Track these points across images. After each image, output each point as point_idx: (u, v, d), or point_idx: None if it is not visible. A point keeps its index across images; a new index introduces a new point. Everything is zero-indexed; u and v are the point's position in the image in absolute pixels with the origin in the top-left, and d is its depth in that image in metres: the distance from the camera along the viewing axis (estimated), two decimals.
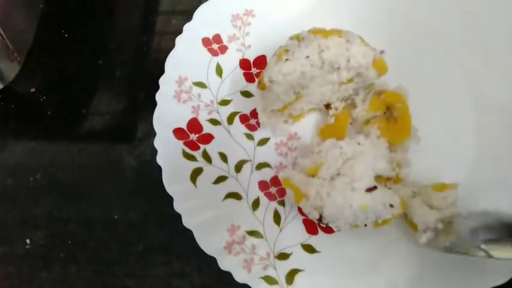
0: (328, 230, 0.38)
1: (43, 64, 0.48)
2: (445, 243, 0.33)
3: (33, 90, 0.48)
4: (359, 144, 0.35)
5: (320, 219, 0.34)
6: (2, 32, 0.39)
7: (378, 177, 0.34)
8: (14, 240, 0.42)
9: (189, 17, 0.45)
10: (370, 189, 0.33)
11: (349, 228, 0.34)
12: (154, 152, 0.40)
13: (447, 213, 0.34)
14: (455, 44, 0.44)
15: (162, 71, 0.43)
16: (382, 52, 0.43)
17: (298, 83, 0.37)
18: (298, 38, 0.37)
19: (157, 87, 0.42)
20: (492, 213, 0.33)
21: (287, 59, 0.36)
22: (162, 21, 0.50)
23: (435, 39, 0.44)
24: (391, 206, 0.34)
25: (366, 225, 0.34)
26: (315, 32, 0.37)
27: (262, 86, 0.38)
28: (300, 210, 0.38)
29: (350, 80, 0.38)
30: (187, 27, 0.44)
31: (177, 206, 0.38)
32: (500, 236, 0.32)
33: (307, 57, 0.36)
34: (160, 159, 0.39)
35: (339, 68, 0.37)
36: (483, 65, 0.42)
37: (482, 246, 0.31)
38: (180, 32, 0.45)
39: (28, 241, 0.41)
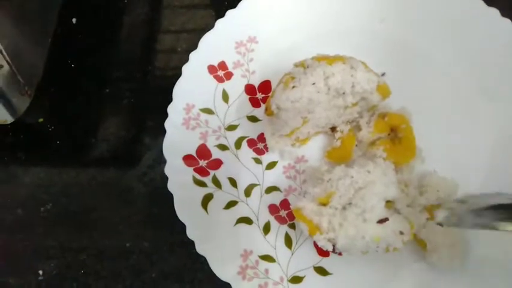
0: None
1: (51, 94, 0.49)
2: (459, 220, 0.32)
3: (41, 120, 0.48)
4: (369, 172, 0.35)
5: (333, 249, 0.35)
6: (14, 68, 0.40)
7: (388, 202, 0.35)
8: (27, 272, 0.42)
9: (193, 46, 0.46)
10: (382, 221, 0.34)
11: (360, 254, 0.35)
12: (164, 179, 0.41)
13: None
14: (450, 65, 0.45)
15: (168, 98, 0.44)
16: (383, 74, 0.44)
17: (305, 109, 0.38)
18: (303, 65, 0.38)
19: (164, 115, 0.43)
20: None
21: (294, 86, 0.37)
22: (167, 50, 0.51)
23: (431, 61, 0.46)
24: (401, 233, 0.34)
25: (377, 251, 0.35)
26: (319, 59, 0.38)
27: (270, 113, 0.39)
28: None
29: (355, 104, 0.39)
30: (193, 55, 0.45)
31: (190, 233, 0.38)
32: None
33: (314, 84, 0.37)
34: (171, 187, 0.40)
35: (344, 93, 0.38)
36: (478, 83, 0.44)
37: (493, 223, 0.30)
38: (186, 60, 0.46)
39: (41, 272, 0.42)
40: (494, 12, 0.44)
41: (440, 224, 0.34)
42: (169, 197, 0.40)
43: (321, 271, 0.38)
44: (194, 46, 0.46)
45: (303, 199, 0.37)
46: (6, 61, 0.41)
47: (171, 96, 0.44)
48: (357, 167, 0.36)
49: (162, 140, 0.42)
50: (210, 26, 0.47)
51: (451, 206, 0.33)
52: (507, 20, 0.44)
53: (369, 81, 0.37)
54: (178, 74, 0.45)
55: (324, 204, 0.36)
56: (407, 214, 0.36)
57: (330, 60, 0.38)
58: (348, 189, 0.35)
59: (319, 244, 0.35)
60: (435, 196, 0.38)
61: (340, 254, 0.36)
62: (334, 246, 0.34)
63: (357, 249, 0.34)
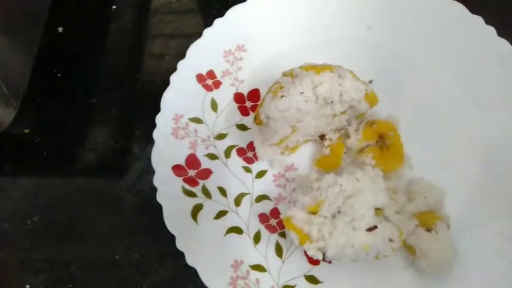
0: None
1: (37, 105, 0.48)
2: None
3: (27, 131, 0.48)
4: (358, 180, 0.36)
5: (323, 258, 0.35)
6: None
7: (378, 210, 0.35)
8: (14, 287, 0.41)
9: (181, 54, 0.46)
10: (371, 229, 0.34)
11: (350, 262, 0.35)
12: (153, 189, 0.40)
13: None
14: (437, 72, 0.46)
15: (156, 107, 0.44)
16: (370, 82, 0.44)
17: (294, 118, 0.38)
18: (291, 75, 0.39)
19: (152, 124, 0.43)
20: None
21: (282, 96, 0.37)
22: (155, 59, 0.51)
23: (418, 68, 0.46)
24: (391, 240, 0.35)
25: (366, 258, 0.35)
26: (307, 68, 0.39)
27: (259, 122, 0.39)
28: None
29: (343, 112, 0.40)
30: (181, 64, 0.45)
31: (180, 245, 0.38)
32: None
33: (302, 93, 0.37)
34: (160, 198, 0.40)
35: (332, 102, 0.38)
36: (466, 91, 0.44)
37: None
38: (173, 68, 0.45)
39: (28, 286, 0.41)
40: (479, 20, 0.45)
41: None
42: (159, 207, 0.39)
43: (312, 279, 0.38)
44: (182, 55, 0.46)
45: (293, 208, 0.37)
46: None
47: (159, 105, 0.44)
48: (346, 175, 0.37)
49: (151, 150, 0.42)
50: (197, 35, 0.47)
51: None
52: (491, 28, 0.45)
53: (356, 90, 0.37)
54: (166, 83, 0.45)
55: (314, 213, 0.36)
56: (396, 221, 0.36)
57: (318, 69, 0.38)
58: (337, 198, 0.35)
59: (309, 253, 0.35)
60: (423, 203, 0.39)
61: (330, 262, 0.36)
62: (324, 255, 0.34)
63: (346, 257, 0.34)
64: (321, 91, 0.37)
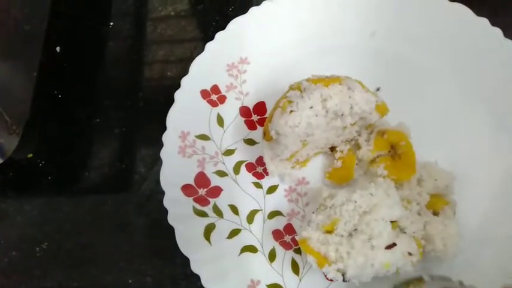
0: None
1: (39, 128, 0.47)
2: None
3: (30, 155, 0.47)
4: (371, 195, 0.35)
5: (343, 279, 0.34)
6: (0, 108, 0.39)
7: (393, 223, 0.35)
8: None
9: (183, 69, 0.45)
10: (390, 247, 0.34)
11: (369, 280, 0.35)
12: (163, 209, 0.39)
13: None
14: (445, 76, 0.45)
15: (160, 125, 0.43)
16: (378, 89, 0.44)
17: (304, 133, 0.37)
18: (299, 88, 0.38)
19: (158, 142, 0.42)
20: (437, 280, 0.34)
21: (292, 111, 0.36)
22: (157, 75, 0.50)
23: (425, 73, 0.45)
24: (410, 254, 0.34)
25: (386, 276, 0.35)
26: (315, 81, 0.38)
27: (268, 138, 0.38)
28: None
29: (353, 124, 0.39)
30: (184, 80, 0.44)
31: (195, 267, 0.37)
32: None
33: (311, 107, 0.36)
34: (172, 220, 0.39)
35: (342, 115, 0.37)
36: (476, 92, 0.44)
37: None
38: (176, 85, 0.45)
39: None
40: (484, 22, 0.44)
41: None
42: (169, 228, 0.39)
43: None
44: (184, 70, 0.45)
45: (308, 228, 0.36)
46: None
47: (164, 122, 0.43)
48: (360, 191, 0.36)
49: (158, 169, 0.41)
50: (199, 48, 0.46)
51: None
52: (497, 29, 0.44)
53: (367, 101, 0.37)
54: (170, 100, 0.44)
55: (330, 232, 0.35)
56: (412, 233, 0.35)
57: (326, 82, 0.37)
58: (352, 215, 0.35)
59: (329, 276, 0.34)
60: (432, 185, 0.38)
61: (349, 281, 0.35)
62: (343, 275, 0.34)
63: (366, 276, 0.34)
64: (330, 104, 0.36)
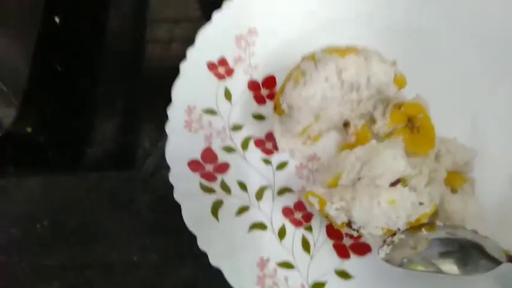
0: (360, 251, 0.37)
1: (38, 102, 0.45)
2: (401, 259, 0.33)
3: (29, 130, 0.45)
4: (373, 147, 0.34)
5: (350, 225, 0.33)
6: None
7: (403, 181, 0.34)
8: None
9: (189, 40, 0.43)
10: (394, 183, 0.33)
11: (382, 234, 0.33)
12: (168, 185, 0.38)
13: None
14: (464, 46, 0.43)
15: (166, 98, 0.41)
16: (394, 63, 0.42)
17: (318, 106, 0.35)
18: (313, 59, 0.36)
19: (163, 115, 0.40)
20: (449, 227, 0.34)
21: (305, 83, 0.34)
22: (162, 46, 0.48)
23: (441, 43, 0.44)
24: (421, 203, 0.33)
25: (399, 228, 0.33)
26: (330, 51, 0.36)
27: (280, 112, 0.37)
28: (329, 233, 0.37)
29: (369, 98, 0.37)
30: (190, 52, 0.42)
31: (202, 245, 0.36)
32: (452, 250, 0.33)
33: (326, 79, 0.34)
34: (178, 196, 0.37)
35: (358, 87, 0.35)
36: (497, 63, 0.42)
37: (434, 261, 0.33)
38: (182, 56, 0.42)
39: None
40: None
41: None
42: (175, 204, 0.37)
43: (343, 275, 0.36)
44: (190, 40, 0.43)
45: (313, 186, 0.36)
46: None
47: (169, 95, 0.41)
48: (361, 145, 0.35)
49: (163, 144, 0.40)
50: (205, 18, 0.44)
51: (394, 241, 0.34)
52: None
53: (385, 73, 0.35)
54: (175, 71, 0.42)
55: (334, 187, 0.35)
56: (426, 194, 0.34)
57: (342, 52, 0.35)
58: (354, 164, 0.34)
59: (332, 215, 0.33)
60: (451, 161, 0.37)
61: (358, 234, 0.34)
62: (350, 221, 0.33)
63: (376, 220, 0.32)
64: (346, 76, 0.34)
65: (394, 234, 0.34)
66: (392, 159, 0.34)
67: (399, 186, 0.33)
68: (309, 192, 0.35)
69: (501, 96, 0.41)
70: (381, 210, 0.32)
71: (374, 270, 0.36)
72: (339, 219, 0.33)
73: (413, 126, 0.38)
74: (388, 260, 0.34)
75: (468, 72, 0.42)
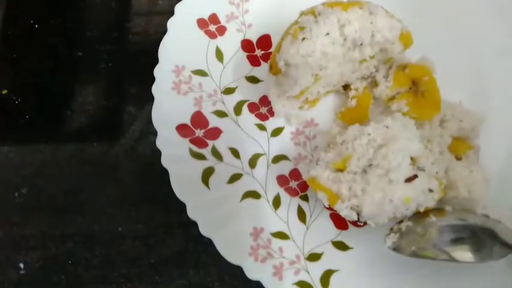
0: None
1: (13, 62, 0.42)
2: (409, 247, 0.31)
3: (5, 92, 0.42)
4: (387, 127, 0.31)
5: (358, 219, 0.31)
6: None
7: (412, 160, 0.31)
8: (6, 266, 0.37)
9: None
10: (410, 179, 0.30)
11: (386, 221, 0.31)
12: (155, 152, 0.35)
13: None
14: (474, 7, 0.40)
15: (153, 60, 0.38)
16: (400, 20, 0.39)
17: (318, 64, 0.33)
18: (313, 13, 0.33)
19: (150, 78, 0.37)
20: (458, 211, 0.32)
21: (304, 38, 0.32)
22: (147, 2, 0.44)
23: (449, 4, 0.41)
24: (431, 191, 0.31)
25: (406, 216, 0.31)
26: (332, 4, 0.33)
27: (276, 71, 0.34)
28: None
29: (372, 57, 0.34)
30: (178, 7, 0.39)
31: (192, 214, 0.34)
32: (464, 237, 0.31)
33: (327, 34, 0.31)
34: (166, 162, 0.35)
35: (361, 44, 0.32)
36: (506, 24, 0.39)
37: (445, 248, 0.31)
38: (170, 13, 0.39)
39: (22, 265, 0.37)
40: None
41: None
42: (162, 172, 0.35)
43: (341, 246, 0.34)
44: None
45: (316, 167, 0.33)
46: None
47: (156, 56, 0.38)
48: (374, 123, 0.32)
49: (149, 108, 0.37)
50: None
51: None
52: None
53: (391, 28, 0.32)
54: (162, 31, 0.39)
55: (341, 170, 0.32)
56: (434, 173, 0.32)
57: (345, 5, 0.32)
58: (366, 149, 0.31)
59: (342, 213, 0.31)
60: (457, 127, 0.35)
61: (364, 223, 0.32)
62: (358, 215, 0.31)
63: (384, 214, 0.30)
64: (349, 31, 0.31)
65: (401, 221, 0.32)
66: (408, 142, 0.31)
67: (415, 181, 0.30)
68: (315, 181, 0.32)
69: (510, 60, 0.39)
70: (392, 206, 0.30)
71: (373, 241, 0.34)
72: (349, 217, 0.31)
73: (418, 89, 0.35)
74: (395, 249, 0.31)
75: (477, 35, 0.40)
